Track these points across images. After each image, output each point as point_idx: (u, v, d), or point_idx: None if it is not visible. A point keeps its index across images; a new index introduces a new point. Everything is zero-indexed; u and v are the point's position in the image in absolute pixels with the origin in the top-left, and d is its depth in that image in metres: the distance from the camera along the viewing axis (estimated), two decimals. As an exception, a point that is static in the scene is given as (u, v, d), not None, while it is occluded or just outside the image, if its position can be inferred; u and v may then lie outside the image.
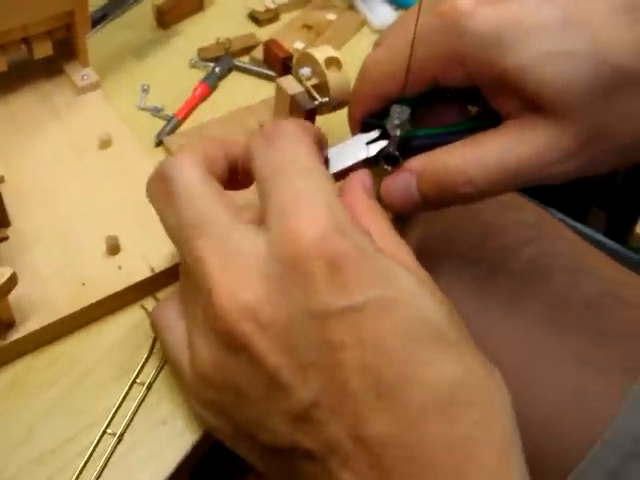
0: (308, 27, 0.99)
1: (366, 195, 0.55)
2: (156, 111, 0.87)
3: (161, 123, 0.85)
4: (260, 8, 1.00)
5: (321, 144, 0.57)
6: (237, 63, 0.92)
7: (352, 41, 1.01)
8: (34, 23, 0.78)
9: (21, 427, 0.60)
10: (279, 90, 0.75)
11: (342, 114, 0.75)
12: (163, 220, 0.53)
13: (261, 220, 0.49)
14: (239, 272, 0.46)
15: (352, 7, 1.05)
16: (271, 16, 1.00)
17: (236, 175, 0.56)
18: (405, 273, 0.47)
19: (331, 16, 1.02)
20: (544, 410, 0.70)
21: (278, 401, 0.45)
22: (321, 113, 0.76)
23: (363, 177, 0.57)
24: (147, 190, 0.56)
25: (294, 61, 0.79)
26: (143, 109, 0.87)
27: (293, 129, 0.52)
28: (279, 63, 0.82)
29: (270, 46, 0.83)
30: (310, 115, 0.74)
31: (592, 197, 1.62)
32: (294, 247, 0.44)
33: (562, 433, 0.69)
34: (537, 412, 0.69)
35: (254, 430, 0.48)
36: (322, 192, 0.47)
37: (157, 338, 0.60)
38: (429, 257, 0.57)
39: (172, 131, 0.84)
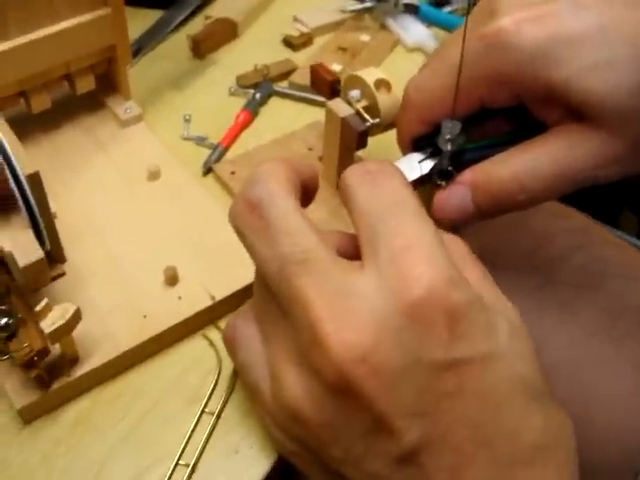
0: (343, 49, 0.99)
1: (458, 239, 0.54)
2: (200, 140, 0.87)
3: (205, 152, 0.85)
4: (293, 33, 1.01)
5: None
6: (276, 88, 0.92)
7: (387, 60, 1.01)
8: (76, 59, 0.79)
9: (90, 465, 0.60)
10: (329, 113, 0.75)
11: (392, 135, 0.75)
12: (254, 251, 0.50)
13: (361, 257, 0.48)
14: (348, 314, 0.44)
15: (384, 27, 1.05)
16: (305, 40, 1.01)
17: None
18: (505, 327, 0.47)
19: (364, 37, 1.02)
20: (605, 416, 0.69)
21: (380, 444, 0.45)
22: (372, 134, 0.76)
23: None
24: (231, 217, 0.52)
25: (342, 84, 0.78)
26: (187, 139, 0.87)
27: (395, 171, 0.51)
28: (327, 86, 0.81)
29: (317, 70, 0.82)
30: (362, 137, 0.74)
31: (624, 200, 1.61)
32: (410, 295, 0.43)
33: (624, 438, 0.68)
34: (598, 418, 0.68)
35: (343, 467, 0.47)
36: (434, 240, 0.46)
37: (229, 356, 0.59)
38: None
39: (218, 159, 0.83)
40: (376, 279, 0.45)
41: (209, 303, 0.67)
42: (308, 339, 0.45)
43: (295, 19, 1.04)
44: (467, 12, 0.58)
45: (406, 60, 1.01)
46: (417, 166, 0.64)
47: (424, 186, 0.64)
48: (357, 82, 0.75)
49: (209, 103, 0.92)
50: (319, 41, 1.03)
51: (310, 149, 0.85)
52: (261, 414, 0.55)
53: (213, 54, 0.99)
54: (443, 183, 0.62)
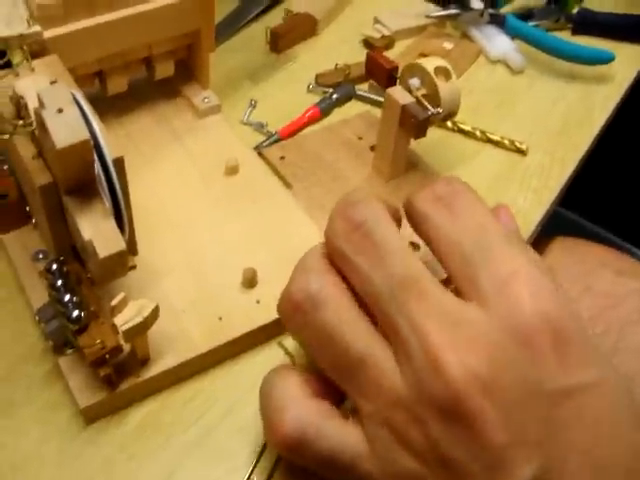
0: (424, 55, 0.95)
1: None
2: (259, 127, 0.84)
3: (262, 139, 0.82)
4: (374, 34, 0.97)
5: None
6: (359, 92, 0.88)
7: (469, 71, 0.97)
8: (158, 42, 0.75)
9: (155, 473, 0.56)
10: (388, 100, 0.72)
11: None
12: (359, 271, 0.47)
13: (460, 287, 0.47)
14: (464, 339, 0.43)
15: (466, 36, 1.01)
16: (386, 43, 0.97)
17: None
18: (604, 351, 0.47)
19: (447, 45, 0.98)
20: None
21: (496, 476, 0.42)
22: (431, 124, 0.73)
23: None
24: (330, 235, 0.50)
25: (401, 72, 0.75)
26: (246, 124, 0.85)
27: (465, 187, 0.51)
28: (384, 74, 0.78)
29: (374, 57, 0.79)
30: (422, 125, 0.71)
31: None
32: (523, 323, 0.43)
33: None
34: None
35: None
36: (535, 263, 0.45)
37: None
38: None
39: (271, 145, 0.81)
40: (484, 308, 0.44)
41: (289, 310, 0.62)
42: (423, 365, 0.43)
43: (376, 21, 1.00)
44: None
45: (488, 71, 0.97)
46: None
47: None
48: (416, 70, 0.72)
49: (283, 98, 0.89)
50: (400, 45, 0.99)
51: (360, 138, 0.82)
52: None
53: (291, 49, 0.96)
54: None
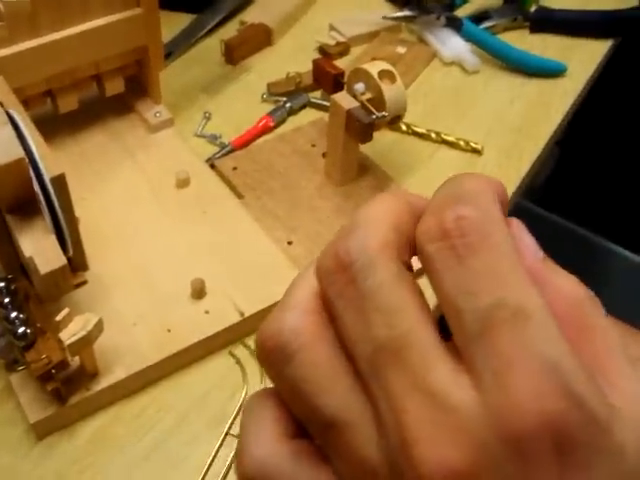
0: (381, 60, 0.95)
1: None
2: (213, 139, 0.85)
3: (215, 151, 0.83)
4: (329, 42, 0.98)
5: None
6: (312, 100, 0.89)
7: (424, 74, 0.98)
8: (106, 59, 0.76)
9: (108, 484, 0.56)
10: (334, 106, 0.73)
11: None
12: (341, 322, 0.38)
13: (463, 360, 0.39)
14: (445, 429, 0.36)
15: (421, 40, 1.02)
16: (341, 50, 0.98)
17: None
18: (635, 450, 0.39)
19: (401, 49, 0.99)
20: None
21: None
22: (378, 128, 0.73)
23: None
24: (318, 270, 0.39)
25: (347, 77, 0.76)
26: (199, 136, 0.85)
27: (483, 218, 0.35)
28: (330, 80, 0.78)
29: (320, 64, 0.79)
30: (367, 129, 0.71)
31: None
32: (518, 423, 0.35)
33: None
34: None
35: None
36: (548, 344, 0.36)
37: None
38: None
39: (223, 156, 0.82)
40: (476, 391, 0.36)
41: (237, 319, 0.64)
42: (395, 444, 0.37)
43: (331, 28, 1.01)
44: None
45: (443, 74, 0.98)
46: None
47: None
48: (361, 75, 0.73)
49: (238, 109, 0.90)
50: (355, 51, 1.00)
51: (313, 145, 0.83)
52: None
53: (246, 60, 0.96)
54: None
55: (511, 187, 0.82)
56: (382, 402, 0.37)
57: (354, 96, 0.72)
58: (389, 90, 0.71)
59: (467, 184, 0.35)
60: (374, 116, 0.71)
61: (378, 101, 0.72)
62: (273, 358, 0.38)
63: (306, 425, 0.40)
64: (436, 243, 0.35)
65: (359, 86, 0.73)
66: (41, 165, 0.55)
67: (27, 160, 0.54)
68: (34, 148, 0.55)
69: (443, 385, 0.36)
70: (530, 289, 0.35)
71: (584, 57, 1.02)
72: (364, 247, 0.36)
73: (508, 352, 0.35)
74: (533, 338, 0.35)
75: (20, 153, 0.52)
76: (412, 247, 0.37)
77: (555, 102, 0.95)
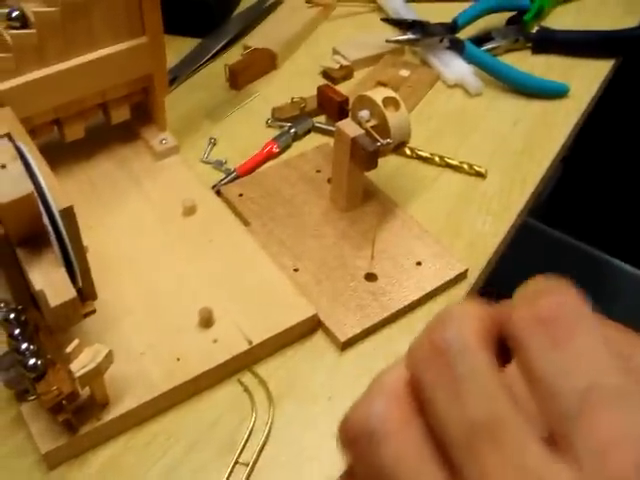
0: (383, 84, 0.96)
1: None
2: (218, 165, 0.85)
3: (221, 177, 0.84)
4: (333, 65, 0.99)
5: None
6: (317, 125, 0.90)
7: (427, 96, 0.98)
8: (112, 87, 0.77)
9: (119, 514, 0.57)
10: (339, 134, 0.73)
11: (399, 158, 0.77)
12: (435, 408, 0.38)
13: (557, 441, 0.40)
14: None
15: (425, 63, 1.03)
16: (345, 73, 0.99)
17: None
18: None
19: (404, 72, 1.00)
20: None
21: None
22: (383, 155, 0.74)
23: None
24: (411, 357, 0.40)
25: (351, 104, 0.77)
26: (205, 162, 0.86)
27: (580, 307, 0.38)
28: (335, 107, 0.79)
29: (325, 91, 0.80)
30: (372, 157, 0.72)
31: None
32: None
33: None
34: None
35: None
36: None
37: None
38: None
39: (229, 182, 0.83)
40: (575, 471, 0.36)
41: (245, 347, 0.64)
42: None
43: (335, 51, 1.02)
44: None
45: (446, 96, 0.99)
46: None
47: None
48: (366, 102, 0.74)
49: (243, 134, 0.90)
50: (359, 75, 1.00)
51: (318, 171, 0.83)
52: None
53: (251, 85, 0.97)
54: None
55: (515, 209, 0.82)
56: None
57: (359, 123, 0.73)
58: (393, 117, 0.72)
59: (548, 281, 0.38)
60: (379, 144, 0.71)
61: (382, 128, 0.72)
62: (358, 443, 0.38)
63: None
64: (532, 328, 0.37)
65: (364, 113, 0.73)
66: (50, 198, 0.55)
67: (36, 194, 0.54)
68: (43, 182, 0.56)
69: (540, 464, 0.36)
70: (623, 371, 0.36)
71: (586, 77, 1.02)
72: (460, 335, 0.38)
73: (609, 433, 0.36)
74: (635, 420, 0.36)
75: (29, 188, 0.53)
76: (495, 342, 0.39)
77: (558, 123, 0.95)
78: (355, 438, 0.38)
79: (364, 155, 0.71)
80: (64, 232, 0.56)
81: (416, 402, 0.38)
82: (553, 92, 0.99)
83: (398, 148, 0.75)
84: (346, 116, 0.76)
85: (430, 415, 0.38)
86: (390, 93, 0.73)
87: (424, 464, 0.37)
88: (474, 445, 0.37)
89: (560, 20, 1.13)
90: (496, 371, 0.38)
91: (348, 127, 0.72)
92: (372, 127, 0.72)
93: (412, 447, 0.38)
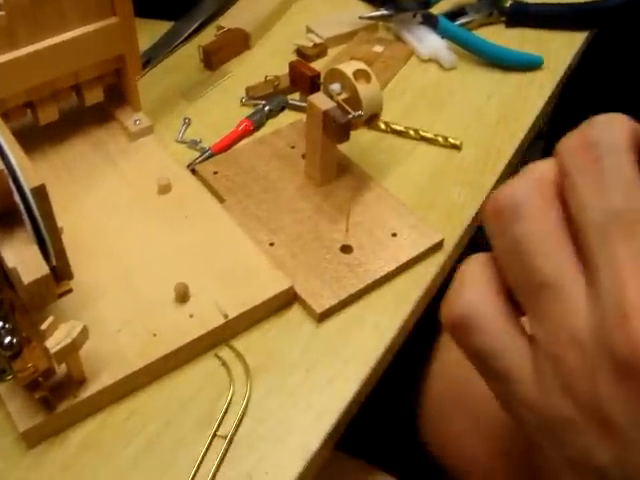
0: (356, 60, 0.96)
1: None
2: (193, 144, 0.85)
3: (196, 156, 0.84)
4: (307, 44, 0.99)
5: None
6: (291, 102, 0.90)
7: (402, 72, 0.99)
8: (84, 69, 0.77)
9: (98, 489, 0.57)
10: (310, 108, 0.74)
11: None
12: (577, 193, 0.41)
13: None
14: None
15: (398, 38, 1.03)
16: (318, 51, 0.99)
17: None
18: None
19: (378, 48, 1.00)
20: None
21: None
22: (355, 128, 0.74)
23: None
24: (562, 148, 0.43)
25: (323, 78, 0.77)
26: (180, 142, 0.86)
27: (627, 138, 0.42)
28: (307, 82, 0.79)
29: (297, 66, 0.80)
30: (344, 129, 0.72)
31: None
32: None
33: None
34: None
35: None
36: None
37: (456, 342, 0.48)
38: None
39: (204, 161, 0.83)
40: None
41: (222, 321, 0.64)
42: (612, 315, 0.38)
43: (308, 30, 1.02)
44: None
45: (421, 71, 0.99)
46: None
47: None
48: (337, 75, 0.74)
49: (218, 113, 0.91)
50: (333, 52, 1.01)
51: (293, 147, 0.84)
52: (515, 409, 0.47)
53: (225, 65, 0.97)
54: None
55: (490, 180, 0.83)
56: (604, 271, 0.39)
57: (330, 97, 0.73)
58: (364, 89, 0.72)
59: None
60: (350, 116, 0.71)
61: (354, 101, 0.72)
62: (503, 216, 0.42)
63: (517, 291, 0.42)
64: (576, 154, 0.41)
65: (335, 86, 0.73)
66: (21, 177, 0.55)
67: (7, 172, 0.54)
68: (13, 160, 0.56)
69: None
70: None
71: (560, 49, 1.03)
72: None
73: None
74: None
75: (-1, 166, 0.53)
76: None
77: (532, 95, 0.96)
78: (499, 211, 0.42)
79: (336, 127, 0.71)
80: (36, 210, 0.56)
81: (560, 189, 0.42)
82: (527, 64, 0.99)
83: (371, 121, 0.75)
84: (318, 90, 0.76)
85: (571, 199, 0.41)
86: (361, 66, 0.74)
87: (558, 242, 0.41)
88: (609, 231, 0.39)
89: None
90: (638, 174, 0.40)
91: (319, 100, 0.73)
92: (343, 100, 0.73)
93: (550, 225, 0.41)
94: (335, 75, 0.74)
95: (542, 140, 1.22)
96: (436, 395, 0.79)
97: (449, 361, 0.79)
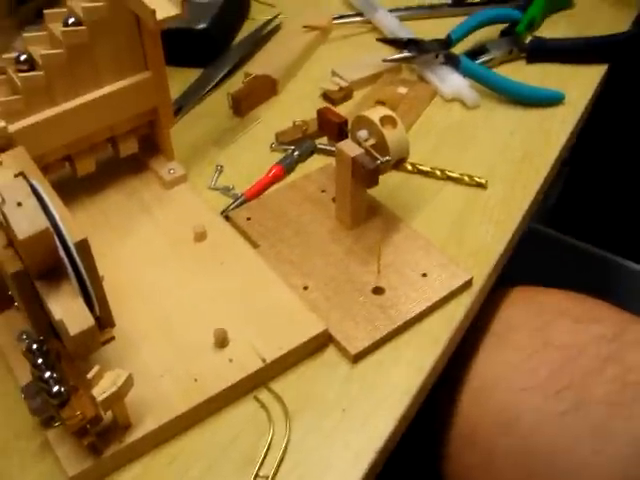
0: (381, 102, 0.99)
1: None
2: (226, 191, 0.88)
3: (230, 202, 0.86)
4: (332, 87, 1.01)
5: None
6: (319, 146, 0.92)
7: (426, 112, 1.01)
8: (120, 122, 0.79)
9: (146, 532, 0.59)
10: (340, 154, 0.76)
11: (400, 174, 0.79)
12: None
13: None
14: None
15: (422, 79, 1.05)
16: (344, 94, 1.01)
17: None
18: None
19: (402, 89, 1.02)
20: None
21: None
22: (383, 172, 0.76)
23: None
24: None
25: (350, 124, 0.79)
26: (213, 189, 0.88)
27: None
28: (335, 128, 0.81)
29: (324, 113, 0.82)
30: (373, 175, 0.74)
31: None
32: None
33: None
34: None
35: None
36: None
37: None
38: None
39: (237, 207, 0.85)
40: None
41: (260, 365, 0.66)
42: None
43: (334, 73, 1.04)
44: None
45: (445, 111, 1.01)
46: None
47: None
48: (364, 121, 0.76)
49: (248, 159, 0.93)
50: (358, 95, 1.03)
51: (323, 191, 0.86)
52: None
53: (254, 111, 1.00)
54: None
55: (517, 216, 0.84)
56: None
57: (358, 143, 0.75)
58: (391, 135, 0.74)
59: None
60: (378, 161, 0.74)
61: (381, 146, 0.74)
62: None
63: None
64: None
65: (362, 133, 0.76)
66: (65, 232, 0.58)
67: (51, 228, 0.57)
68: (57, 216, 0.58)
69: None
70: None
71: (581, 83, 1.04)
72: None
73: None
74: None
75: (45, 223, 0.55)
76: None
77: (555, 129, 0.97)
78: None
79: (365, 173, 0.73)
80: (80, 263, 0.59)
81: None
82: (549, 100, 1.01)
83: (398, 164, 0.77)
84: (346, 137, 0.78)
85: None
86: (387, 112, 0.76)
87: None
88: None
89: (553, 29, 1.15)
90: None
91: (348, 147, 0.75)
92: (371, 146, 0.75)
93: None
94: (362, 122, 0.76)
95: (566, 168, 1.23)
96: (449, 429, 0.80)
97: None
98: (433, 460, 0.82)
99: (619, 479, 0.68)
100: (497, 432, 0.73)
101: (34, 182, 0.60)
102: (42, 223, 0.55)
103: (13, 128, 0.71)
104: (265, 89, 1.01)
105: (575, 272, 0.92)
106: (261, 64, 1.05)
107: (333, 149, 0.90)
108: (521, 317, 0.83)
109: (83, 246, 0.59)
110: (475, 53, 1.08)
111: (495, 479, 0.75)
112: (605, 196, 1.57)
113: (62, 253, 0.58)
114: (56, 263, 0.59)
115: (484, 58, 1.08)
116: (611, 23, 1.15)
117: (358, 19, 1.17)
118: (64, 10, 0.73)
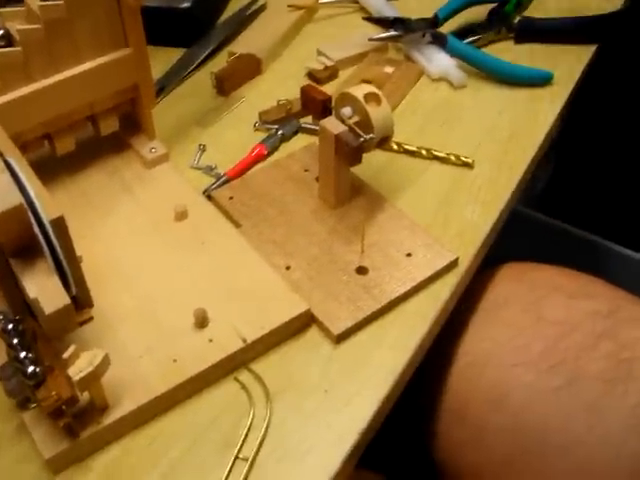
0: (367, 82, 0.97)
1: None
2: (208, 170, 0.86)
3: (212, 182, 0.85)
4: (318, 66, 1.00)
5: None
6: (304, 125, 0.91)
7: (412, 91, 0.99)
8: (99, 100, 0.78)
9: (123, 515, 0.58)
10: (323, 132, 0.75)
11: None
12: None
13: None
14: None
15: (408, 58, 1.04)
16: (330, 74, 1.00)
17: None
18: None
19: (388, 69, 1.01)
20: None
21: None
22: (367, 150, 0.75)
23: None
24: None
25: (334, 102, 0.78)
26: (196, 168, 0.87)
27: None
28: (319, 106, 0.81)
29: (308, 91, 0.81)
30: (356, 152, 0.73)
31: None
32: None
33: None
34: None
35: None
36: None
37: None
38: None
39: (219, 186, 0.84)
40: None
41: (241, 345, 0.65)
42: None
43: (319, 53, 1.03)
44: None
45: (431, 90, 1.00)
46: None
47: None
48: (348, 99, 0.75)
49: (232, 138, 0.92)
50: (344, 74, 1.02)
51: (306, 170, 0.85)
52: None
53: (238, 91, 0.99)
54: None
55: (503, 197, 0.83)
56: None
57: (342, 120, 0.74)
58: (375, 112, 0.73)
59: None
60: (362, 139, 0.72)
61: (365, 124, 0.73)
62: None
63: None
64: None
65: (346, 110, 0.74)
66: (40, 209, 0.56)
67: (26, 205, 0.56)
68: (32, 193, 0.57)
69: None
70: None
71: (569, 64, 1.03)
72: None
73: None
74: None
75: (18, 199, 0.54)
76: None
77: (543, 110, 0.96)
78: None
79: (348, 151, 0.72)
80: (56, 242, 0.57)
81: None
82: (537, 80, 1.00)
83: (382, 143, 0.76)
84: (330, 114, 0.77)
85: None
86: (371, 89, 0.75)
87: None
88: None
89: (541, 9, 1.14)
90: None
91: (331, 124, 0.74)
92: (355, 123, 0.74)
93: None
94: (346, 99, 0.75)
95: (553, 150, 1.22)
96: (438, 405, 0.80)
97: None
98: (422, 436, 0.81)
99: (613, 456, 0.68)
100: (488, 409, 0.73)
101: (9, 159, 0.59)
102: (15, 199, 0.54)
103: (-12, 106, 0.69)
104: (249, 69, 1.00)
105: (564, 256, 0.91)
106: (246, 43, 1.04)
107: (317, 128, 0.89)
108: (513, 293, 0.83)
109: (59, 224, 0.57)
110: (463, 33, 1.07)
111: (485, 456, 0.74)
112: (594, 180, 1.57)
113: (37, 230, 0.57)
114: (32, 241, 0.57)
115: (471, 38, 1.06)
116: (600, 3, 1.13)
117: (344, -2, 1.16)
118: (42, -16, 0.72)
